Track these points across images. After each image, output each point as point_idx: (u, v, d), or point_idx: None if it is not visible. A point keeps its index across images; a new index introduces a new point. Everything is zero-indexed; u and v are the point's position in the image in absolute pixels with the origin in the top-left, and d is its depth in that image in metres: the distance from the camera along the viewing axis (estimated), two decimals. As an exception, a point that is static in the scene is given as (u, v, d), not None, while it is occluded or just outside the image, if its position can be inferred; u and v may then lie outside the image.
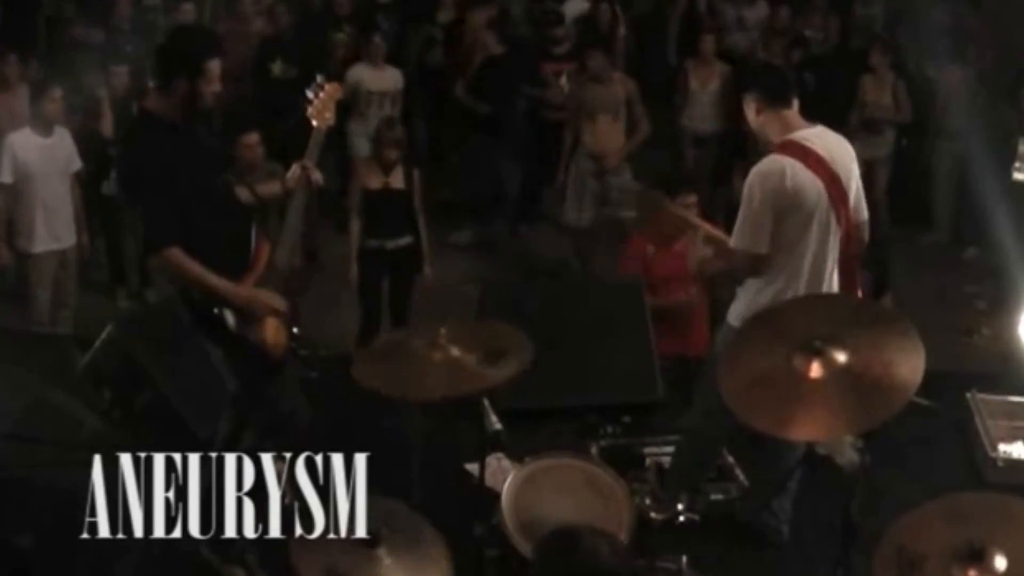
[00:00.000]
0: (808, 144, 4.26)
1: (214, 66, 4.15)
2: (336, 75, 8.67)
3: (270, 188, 4.60)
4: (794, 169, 4.20)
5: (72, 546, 4.53)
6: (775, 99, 4.36)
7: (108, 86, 7.72)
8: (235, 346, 4.26)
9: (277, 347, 4.32)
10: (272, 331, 4.30)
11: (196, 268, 4.16)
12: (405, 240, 6.80)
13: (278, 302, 4.28)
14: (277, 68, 8.71)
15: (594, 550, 2.76)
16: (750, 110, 4.42)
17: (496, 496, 3.84)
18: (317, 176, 4.50)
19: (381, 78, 8.53)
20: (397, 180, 6.75)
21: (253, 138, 6.66)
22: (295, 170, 4.46)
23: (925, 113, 8.83)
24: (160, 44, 4.42)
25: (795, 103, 4.38)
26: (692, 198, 5.89)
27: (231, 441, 4.39)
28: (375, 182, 6.74)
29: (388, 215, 6.75)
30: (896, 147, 8.89)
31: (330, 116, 4.52)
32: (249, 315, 4.23)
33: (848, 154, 4.38)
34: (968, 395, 5.59)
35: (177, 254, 4.14)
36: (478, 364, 3.57)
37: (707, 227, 4.75)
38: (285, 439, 4.48)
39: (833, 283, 4.37)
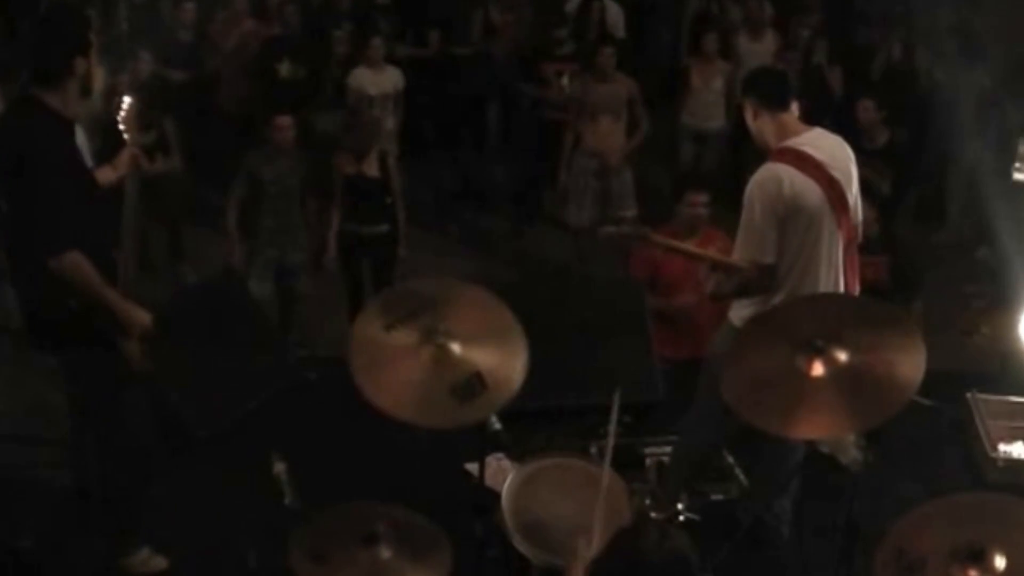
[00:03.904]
0: (805, 149, 4.26)
1: (93, 39, 4.01)
2: (337, 75, 8.71)
3: (104, 174, 4.28)
4: (791, 176, 4.21)
5: (72, 546, 4.54)
6: (773, 102, 4.36)
7: (131, 71, 7.75)
8: (109, 352, 4.10)
9: (135, 360, 4.16)
10: (133, 344, 4.15)
11: (95, 277, 3.95)
12: (381, 228, 6.86)
13: (150, 323, 4.12)
14: (285, 69, 8.71)
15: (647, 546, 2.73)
16: (748, 113, 4.43)
17: (496, 496, 3.83)
18: (146, 161, 4.30)
19: (380, 80, 8.52)
20: (371, 167, 6.83)
21: (285, 120, 6.75)
22: (125, 154, 4.25)
23: (934, 114, 8.80)
24: (38, 39, 4.09)
25: (793, 106, 4.39)
26: (702, 197, 5.82)
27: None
28: (349, 168, 6.83)
29: (363, 202, 6.82)
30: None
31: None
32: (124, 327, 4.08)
33: (847, 156, 4.37)
34: (968, 395, 5.58)
35: (78, 259, 3.92)
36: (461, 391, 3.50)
37: (703, 252, 4.71)
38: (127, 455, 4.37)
39: (839, 286, 4.37)
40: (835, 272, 4.34)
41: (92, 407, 4.28)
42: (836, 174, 4.27)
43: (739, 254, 4.32)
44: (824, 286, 4.29)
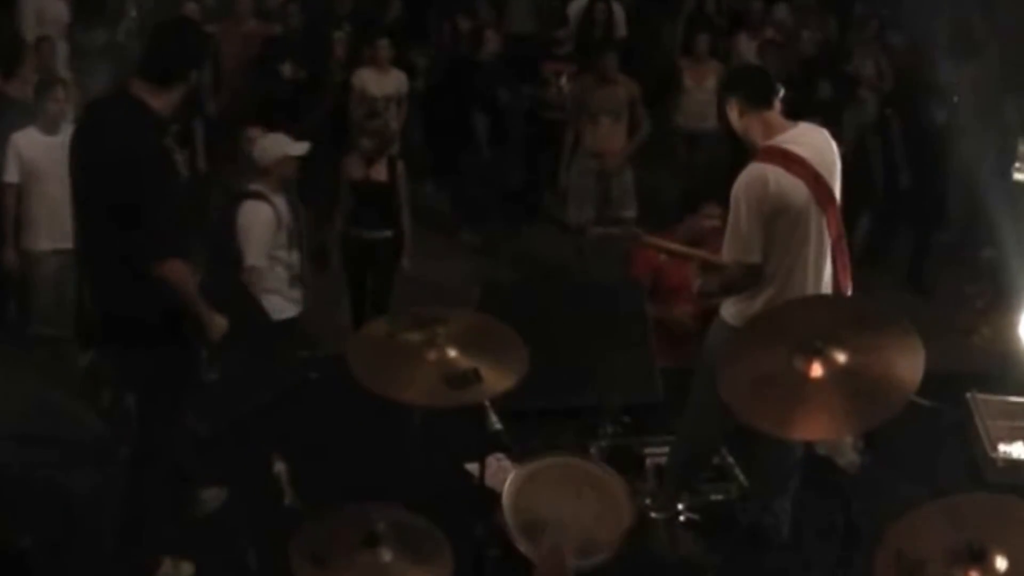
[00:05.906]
0: (789, 148, 4.27)
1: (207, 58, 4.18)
2: (337, 76, 8.71)
3: None
4: (777, 176, 4.22)
5: (72, 546, 4.54)
6: (757, 101, 4.38)
7: None
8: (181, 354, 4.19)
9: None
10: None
11: (193, 284, 4.00)
12: (385, 233, 6.83)
13: (227, 329, 4.23)
14: (287, 70, 8.70)
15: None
16: (732, 112, 4.44)
17: (496, 496, 3.84)
18: None
19: (384, 82, 8.52)
20: (379, 173, 6.78)
21: (256, 132, 6.68)
22: None
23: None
24: (158, 39, 4.15)
25: (777, 104, 4.40)
26: (716, 209, 5.70)
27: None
28: (357, 173, 6.77)
29: (369, 207, 6.77)
30: (880, 116, 8.85)
31: None
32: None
33: (831, 150, 4.39)
34: (968, 395, 5.58)
35: (180, 266, 3.96)
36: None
37: (693, 252, 4.70)
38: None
39: (827, 281, 4.37)
40: (823, 270, 4.35)
41: (154, 409, 4.27)
42: (821, 170, 4.28)
43: (726, 255, 4.33)
44: (812, 283, 4.29)
